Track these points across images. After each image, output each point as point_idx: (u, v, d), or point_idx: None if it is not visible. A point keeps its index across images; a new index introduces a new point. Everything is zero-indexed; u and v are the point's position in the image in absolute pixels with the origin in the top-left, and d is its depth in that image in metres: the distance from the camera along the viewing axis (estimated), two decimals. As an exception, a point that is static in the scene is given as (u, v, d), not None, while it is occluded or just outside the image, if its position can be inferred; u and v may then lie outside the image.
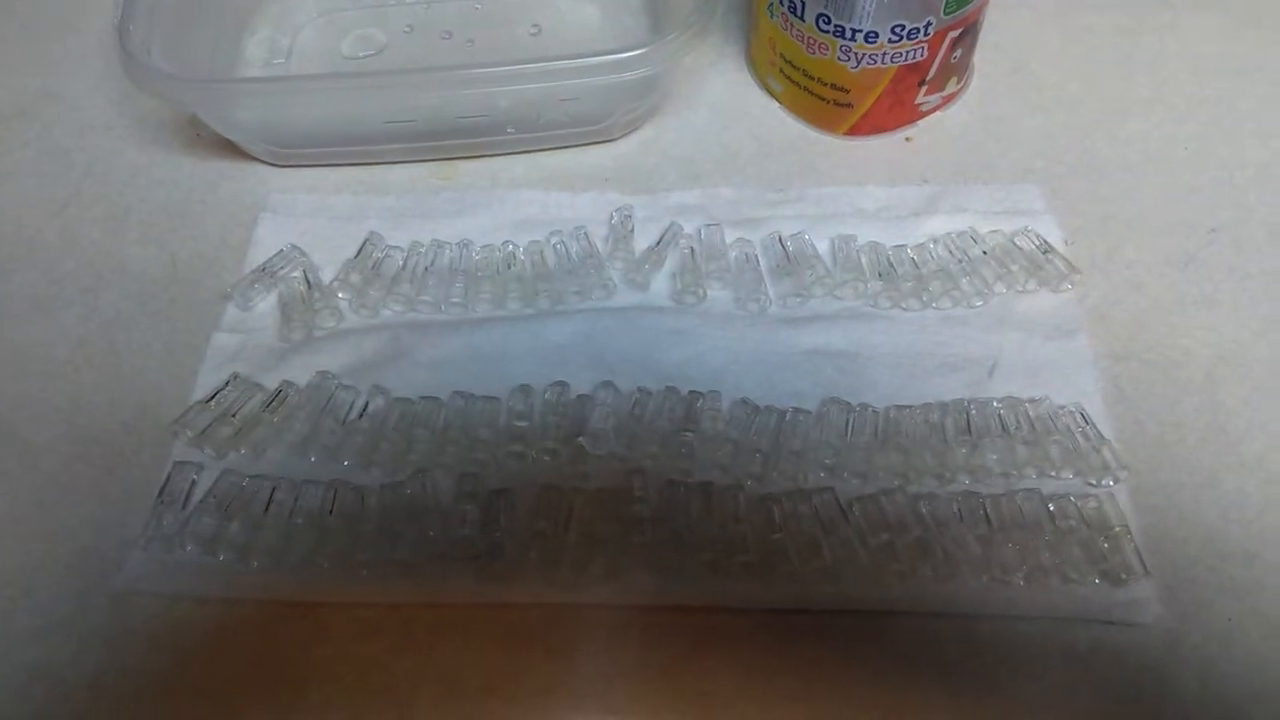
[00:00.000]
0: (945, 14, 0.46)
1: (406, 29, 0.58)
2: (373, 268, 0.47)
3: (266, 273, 0.47)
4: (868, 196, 0.50)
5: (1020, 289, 0.46)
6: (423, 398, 0.43)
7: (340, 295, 0.47)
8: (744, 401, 0.43)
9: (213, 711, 0.37)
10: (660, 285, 0.47)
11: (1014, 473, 0.41)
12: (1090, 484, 0.40)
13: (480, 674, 0.37)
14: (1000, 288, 0.46)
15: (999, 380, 0.43)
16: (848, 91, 0.50)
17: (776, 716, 0.36)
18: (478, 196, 0.51)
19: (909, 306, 0.46)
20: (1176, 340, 0.44)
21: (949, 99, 0.53)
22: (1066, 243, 0.48)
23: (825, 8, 0.47)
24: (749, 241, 0.48)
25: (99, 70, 0.57)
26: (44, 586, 0.39)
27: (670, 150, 0.53)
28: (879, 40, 0.47)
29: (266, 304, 0.47)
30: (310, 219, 0.50)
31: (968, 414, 0.42)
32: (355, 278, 0.47)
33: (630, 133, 0.53)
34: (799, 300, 0.46)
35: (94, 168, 0.53)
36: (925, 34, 0.47)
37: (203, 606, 0.39)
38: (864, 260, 0.47)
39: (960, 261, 0.46)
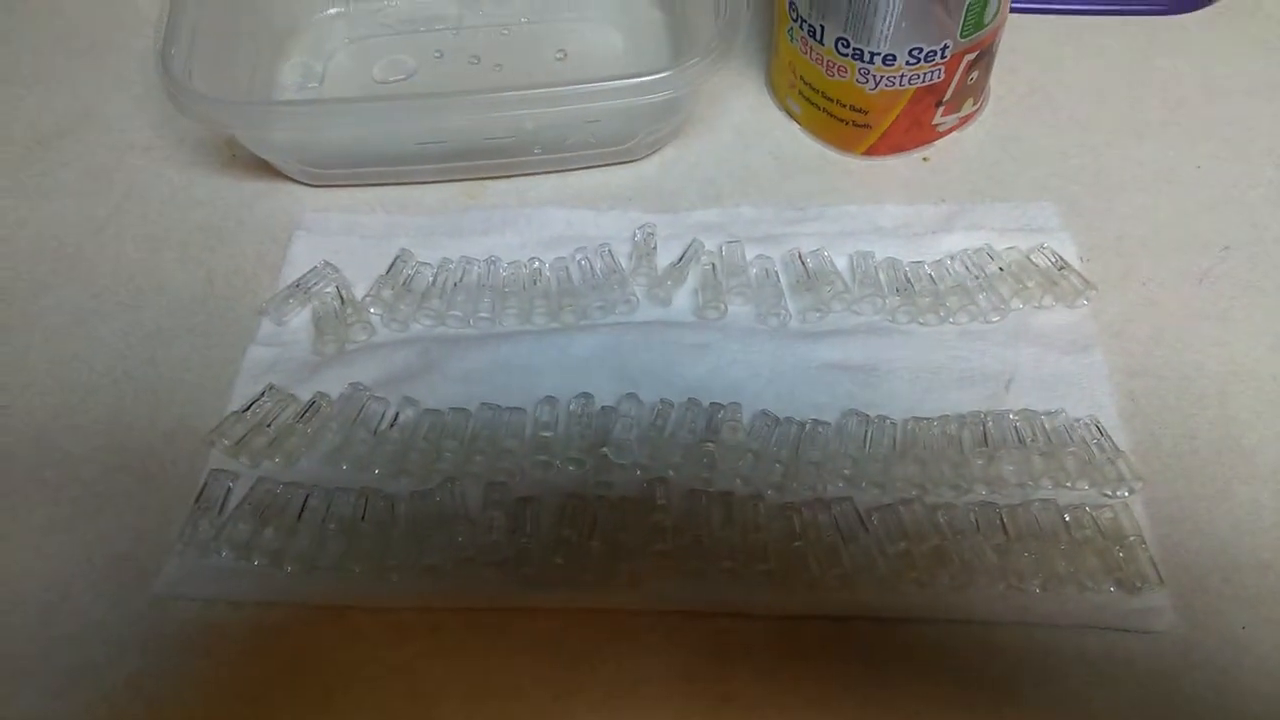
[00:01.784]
0: (962, 37, 0.47)
1: (436, 54, 0.59)
2: (403, 284, 0.48)
3: (301, 289, 0.48)
4: (886, 214, 0.51)
5: (1036, 305, 0.47)
6: (451, 409, 0.44)
7: (372, 310, 0.48)
8: (764, 413, 0.43)
9: (245, 713, 0.37)
10: (682, 300, 0.48)
11: (1030, 483, 0.41)
12: (1105, 495, 0.41)
13: (506, 677, 0.38)
14: (1017, 303, 0.47)
15: (1015, 394, 0.44)
16: (866, 113, 0.51)
17: (796, 721, 0.37)
18: (505, 215, 0.52)
19: (926, 321, 0.47)
20: (1190, 355, 0.45)
21: (966, 120, 0.54)
22: (1082, 259, 0.48)
23: (844, 31, 0.48)
24: (769, 258, 0.49)
25: (139, 93, 0.58)
26: (83, 591, 0.40)
27: (692, 170, 0.54)
28: (897, 63, 0.48)
29: (300, 319, 0.48)
30: (343, 237, 0.51)
31: (984, 426, 0.42)
32: (386, 293, 0.48)
33: (653, 153, 0.54)
34: (818, 315, 0.47)
35: (134, 187, 0.54)
36: (942, 57, 0.48)
37: (237, 610, 0.40)
38: (882, 276, 0.47)
39: (977, 278, 0.47)
